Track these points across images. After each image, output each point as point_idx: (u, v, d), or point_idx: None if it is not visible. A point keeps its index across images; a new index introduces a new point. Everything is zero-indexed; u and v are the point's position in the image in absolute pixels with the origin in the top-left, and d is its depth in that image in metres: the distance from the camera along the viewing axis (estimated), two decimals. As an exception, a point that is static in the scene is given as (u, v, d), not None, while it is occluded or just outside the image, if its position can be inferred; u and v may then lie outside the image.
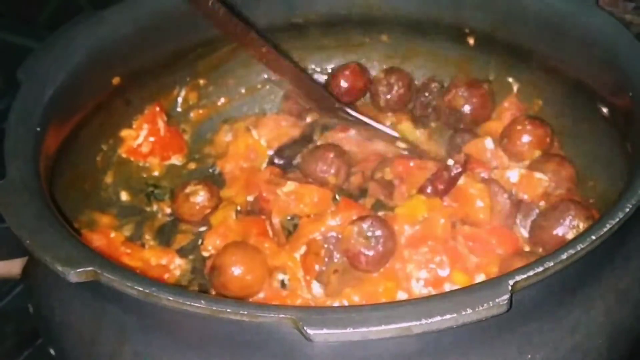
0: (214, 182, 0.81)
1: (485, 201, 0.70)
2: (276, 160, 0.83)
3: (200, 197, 0.77)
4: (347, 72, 0.86)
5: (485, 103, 0.81)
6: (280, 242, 0.72)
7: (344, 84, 0.86)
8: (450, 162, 0.70)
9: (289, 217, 0.73)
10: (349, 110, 0.83)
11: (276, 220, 0.73)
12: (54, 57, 0.72)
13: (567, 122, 0.78)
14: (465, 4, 0.81)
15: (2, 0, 1.23)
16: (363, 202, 0.74)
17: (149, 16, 0.79)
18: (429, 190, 0.70)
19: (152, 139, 0.82)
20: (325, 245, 0.70)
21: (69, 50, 0.74)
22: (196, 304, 0.50)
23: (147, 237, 0.78)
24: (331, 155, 0.79)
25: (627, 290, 0.58)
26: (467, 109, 0.80)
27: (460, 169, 0.70)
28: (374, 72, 0.88)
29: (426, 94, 0.84)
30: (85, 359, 0.58)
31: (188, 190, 0.77)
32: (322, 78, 0.89)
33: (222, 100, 0.88)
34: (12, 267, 0.66)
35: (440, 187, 0.70)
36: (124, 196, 0.81)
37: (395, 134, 0.83)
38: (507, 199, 0.70)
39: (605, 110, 0.72)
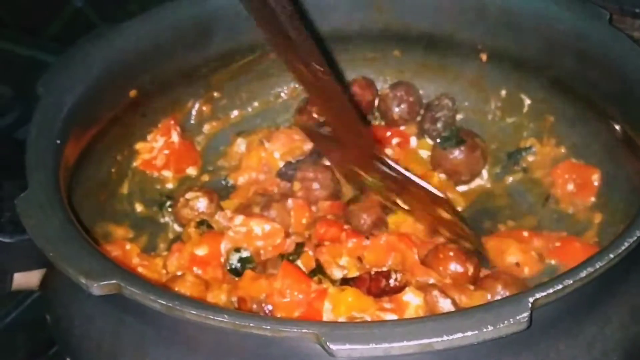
0: (227, 194, 0.82)
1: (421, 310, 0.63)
2: (284, 171, 0.84)
3: (199, 203, 0.78)
4: (355, 87, 0.87)
5: (477, 161, 0.82)
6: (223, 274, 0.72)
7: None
8: (394, 275, 0.67)
9: (240, 250, 0.72)
10: (388, 161, 0.71)
11: (225, 249, 0.73)
12: (72, 71, 0.73)
13: (579, 139, 0.79)
14: (478, 21, 0.81)
15: (10, 12, 1.24)
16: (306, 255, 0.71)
17: (165, 30, 0.80)
18: (364, 287, 0.66)
19: (166, 151, 0.83)
20: (255, 306, 0.66)
21: (86, 64, 0.74)
22: (219, 318, 0.51)
23: (161, 248, 0.79)
24: (311, 172, 0.80)
25: (642, 306, 0.58)
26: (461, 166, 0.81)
27: (398, 285, 0.66)
28: (385, 87, 0.89)
29: (437, 109, 0.85)
30: (105, 372, 0.59)
31: (188, 196, 0.78)
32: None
33: (236, 113, 0.89)
34: (30, 279, 0.66)
35: (374, 291, 0.65)
36: (139, 207, 0.81)
37: (440, 194, 0.71)
38: (452, 305, 0.64)
39: (618, 128, 0.73)
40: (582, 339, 0.55)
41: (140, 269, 0.73)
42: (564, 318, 0.55)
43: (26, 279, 0.66)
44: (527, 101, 0.83)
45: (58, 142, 0.67)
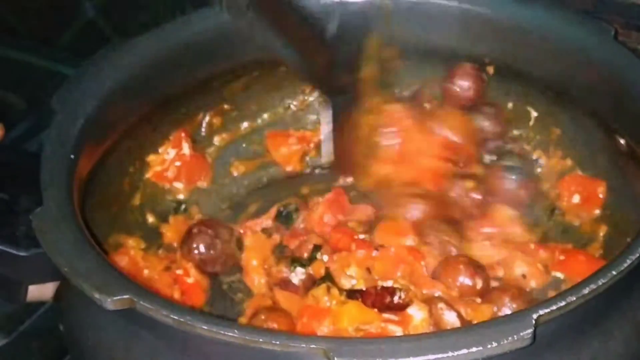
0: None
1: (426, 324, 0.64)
2: None
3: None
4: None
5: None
6: None
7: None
8: (398, 292, 0.67)
9: None
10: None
11: None
12: (86, 86, 0.74)
13: (585, 152, 0.80)
14: (484, 35, 0.82)
15: (22, 22, 1.25)
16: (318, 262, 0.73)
17: (176, 45, 0.81)
18: (369, 301, 0.67)
19: (178, 163, 0.84)
20: None
21: (100, 79, 0.75)
22: (229, 333, 0.52)
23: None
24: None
25: (646, 322, 0.59)
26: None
27: (402, 302, 0.66)
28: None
29: None
30: (117, 384, 0.60)
31: None
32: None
33: (246, 125, 0.90)
34: (44, 291, 0.68)
35: (379, 306, 0.66)
36: (150, 218, 0.82)
37: None
38: (457, 318, 0.65)
39: (622, 141, 0.74)
40: (585, 354, 0.56)
41: (145, 272, 0.74)
42: (567, 333, 0.56)
43: (40, 291, 0.67)
44: (534, 114, 0.84)
45: (72, 157, 0.68)
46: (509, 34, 0.80)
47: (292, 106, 0.91)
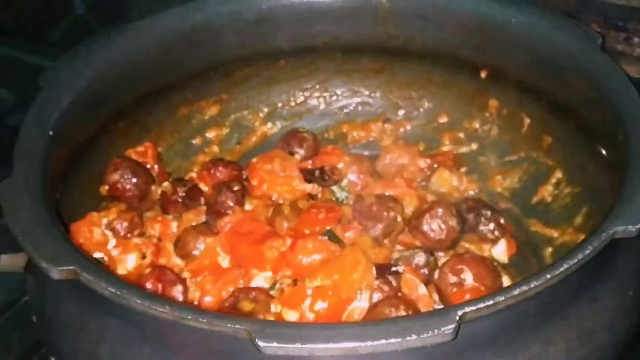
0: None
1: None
2: None
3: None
4: None
5: None
6: None
7: None
8: None
9: None
10: None
11: None
12: (76, 67, 0.76)
13: (575, 161, 0.79)
14: (477, 39, 0.82)
15: (13, 19, 1.28)
16: None
17: (172, 34, 0.82)
18: None
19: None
20: None
21: (90, 61, 0.77)
22: (160, 309, 0.53)
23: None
24: None
25: (591, 330, 0.58)
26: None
27: None
28: (392, 95, 0.91)
29: None
30: (68, 355, 0.62)
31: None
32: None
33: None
34: (17, 260, 0.69)
35: None
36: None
37: None
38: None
39: (604, 151, 0.73)
40: (522, 357, 0.56)
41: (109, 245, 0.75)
42: (503, 334, 0.55)
43: (13, 261, 0.69)
44: (527, 120, 0.84)
45: (50, 133, 0.70)
46: (499, 38, 0.80)
47: (290, 100, 0.92)
